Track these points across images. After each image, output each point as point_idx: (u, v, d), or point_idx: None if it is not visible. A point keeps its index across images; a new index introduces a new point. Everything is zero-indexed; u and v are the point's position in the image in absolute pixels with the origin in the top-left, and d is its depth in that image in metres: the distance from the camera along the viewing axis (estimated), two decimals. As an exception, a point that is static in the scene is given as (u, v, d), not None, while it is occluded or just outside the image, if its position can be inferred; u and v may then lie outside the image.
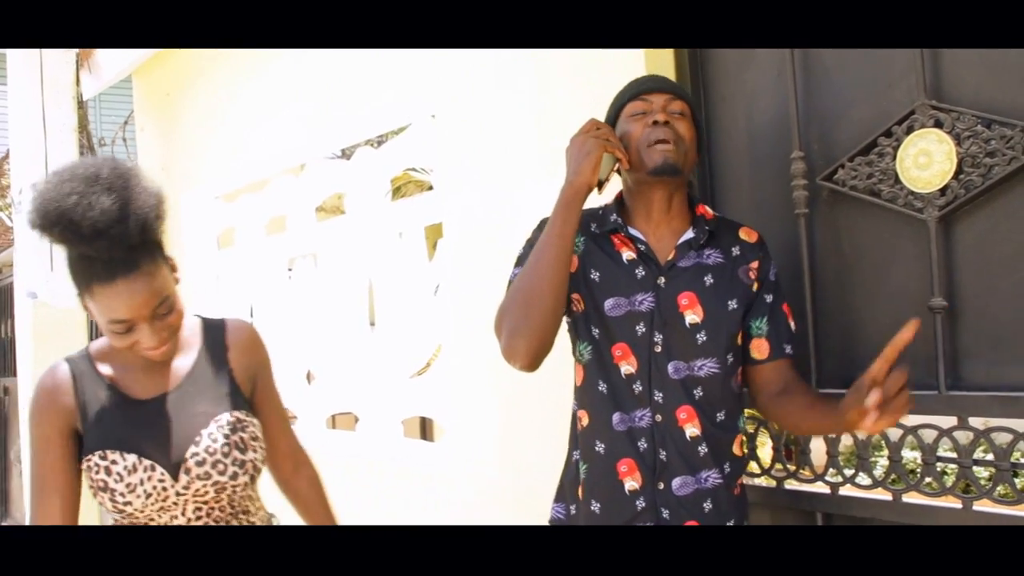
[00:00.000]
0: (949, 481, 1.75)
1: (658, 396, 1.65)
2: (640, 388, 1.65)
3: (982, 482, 1.67)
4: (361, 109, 3.18)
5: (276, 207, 4.02)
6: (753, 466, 2.03)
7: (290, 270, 4.02)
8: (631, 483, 1.65)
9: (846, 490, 1.90)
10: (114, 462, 1.56)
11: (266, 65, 3.75)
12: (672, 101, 1.68)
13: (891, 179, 1.78)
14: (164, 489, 1.57)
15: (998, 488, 1.66)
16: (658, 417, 1.65)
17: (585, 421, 1.69)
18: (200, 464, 1.59)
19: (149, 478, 1.56)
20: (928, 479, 1.77)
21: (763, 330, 1.71)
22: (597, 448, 1.67)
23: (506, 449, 2.57)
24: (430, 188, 3.71)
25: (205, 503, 1.63)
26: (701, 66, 2.17)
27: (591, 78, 2.29)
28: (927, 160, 1.72)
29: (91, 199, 1.41)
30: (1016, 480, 1.68)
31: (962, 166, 1.68)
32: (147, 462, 1.57)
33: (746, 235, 1.77)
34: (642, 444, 1.65)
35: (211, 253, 4.44)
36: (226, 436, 1.63)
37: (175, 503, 1.59)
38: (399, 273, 3.27)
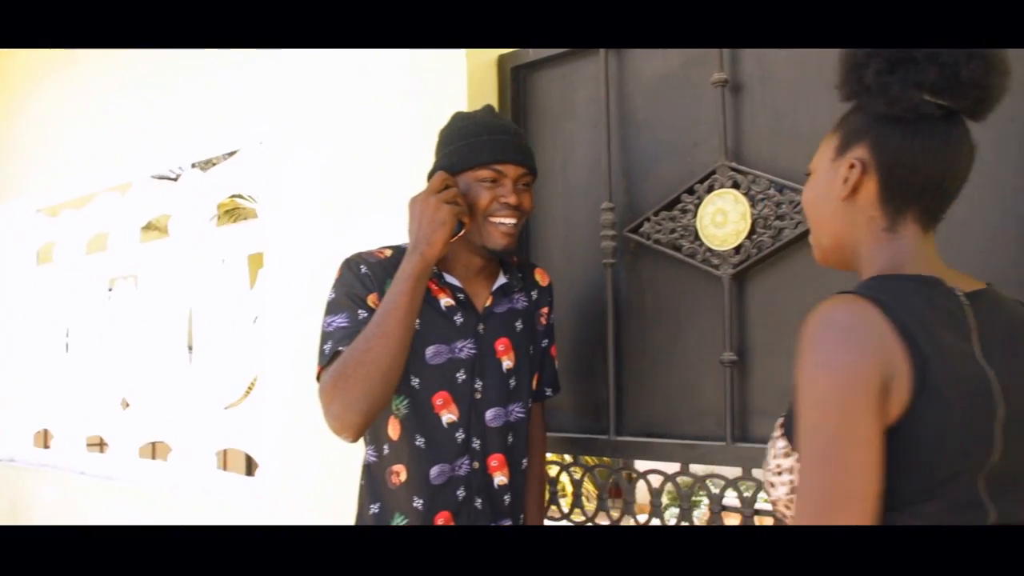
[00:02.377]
0: (733, 530, 1.81)
1: (476, 444, 1.64)
2: (462, 436, 1.62)
3: (763, 532, 1.73)
4: (191, 131, 3.07)
5: (99, 224, 3.82)
6: (555, 510, 2.05)
7: (110, 290, 3.83)
8: None
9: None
10: None
11: (96, 80, 3.58)
12: (524, 176, 1.62)
13: (691, 235, 1.83)
14: None
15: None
16: (475, 464, 1.64)
17: (403, 476, 1.62)
18: None
19: None
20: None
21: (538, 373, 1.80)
22: (415, 504, 1.61)
23: (323, 483, 2.50)
24: (256, 216, 3.62)
25: None
26: (524, 114, 2.20)
27: (412, 105, 2.28)
28: (723, 219, 1.78)
29: None
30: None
31: (755, 227, 1.75)
32: None
33: (540, 277, 1.80)
34: (460, 493, 1.62)
35: (29, 268, 4.19)
36: None
37: None
38: (220, 300, 3.16)
